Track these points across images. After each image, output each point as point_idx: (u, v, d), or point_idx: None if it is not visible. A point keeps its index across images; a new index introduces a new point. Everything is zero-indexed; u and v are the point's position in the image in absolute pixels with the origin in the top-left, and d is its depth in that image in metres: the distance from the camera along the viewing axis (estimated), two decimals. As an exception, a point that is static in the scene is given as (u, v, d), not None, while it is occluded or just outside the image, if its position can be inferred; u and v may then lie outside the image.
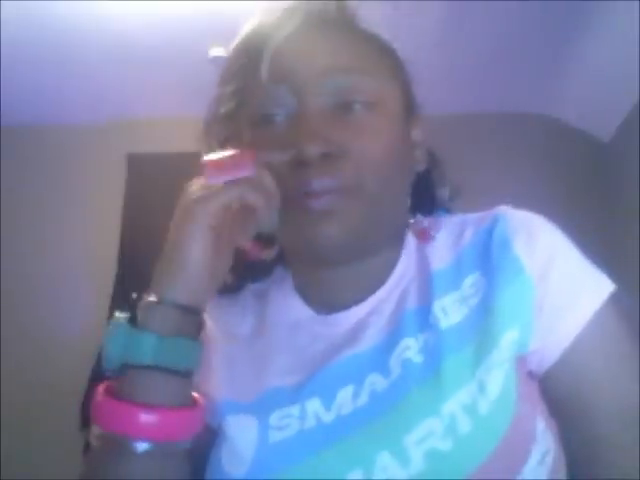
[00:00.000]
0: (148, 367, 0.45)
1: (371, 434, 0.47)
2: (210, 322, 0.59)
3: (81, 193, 2.65)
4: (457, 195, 0.64)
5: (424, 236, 0.58)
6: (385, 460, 0.45)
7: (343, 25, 0.57)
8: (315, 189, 0.50)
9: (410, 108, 0.59)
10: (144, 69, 2.36)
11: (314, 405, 0.51)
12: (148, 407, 0.44)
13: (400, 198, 0.57)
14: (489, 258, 0.53)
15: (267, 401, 0.52)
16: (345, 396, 0.50)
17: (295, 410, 0.51)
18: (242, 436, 0.50)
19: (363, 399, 0.50)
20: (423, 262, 0.57)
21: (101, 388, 0.47)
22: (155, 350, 0.45)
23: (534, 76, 2.43)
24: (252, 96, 0.55)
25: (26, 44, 2.16)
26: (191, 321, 0.48)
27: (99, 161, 2.66)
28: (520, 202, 0.58)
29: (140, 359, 0.45)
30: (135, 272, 2.53)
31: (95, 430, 0.46)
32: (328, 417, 0.49)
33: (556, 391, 0.50)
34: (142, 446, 0.44)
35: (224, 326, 0.59)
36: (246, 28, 0.58)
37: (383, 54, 0.58)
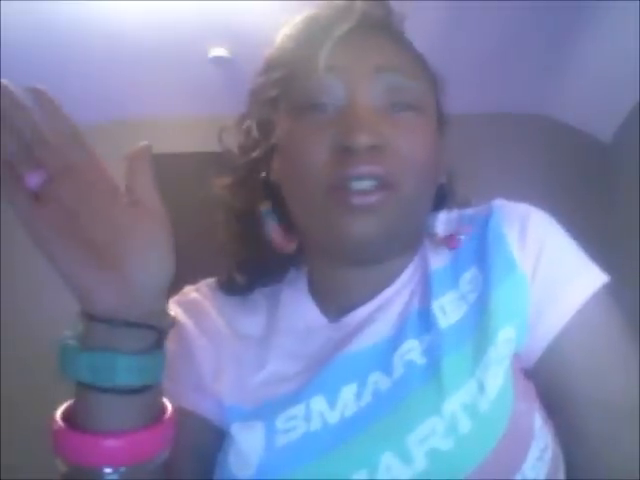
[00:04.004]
0: (109, 389, 0.40)
1: (375, 435, 0.47)
2: (221, 321, 0.59)
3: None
4: (467, 206, 0.64)
5: (452, 242, 0.58)
6: (389, 460, 0.45)
7: (392, 31, 0.59)
8: (361, 173, 0.51)
9: (441, 122, 0.61)
10: (144, 69, 2.36)
11: (318, 404, 0.51)
12: (113, 434, 0.40)
13: (428, 204, 0.58)
14: (485, 254, 0.53)
15: (274, 405, 0.52)
16: (349, 394, 0.50)
17: (300, 410, 0.51)
18: (249, 441, 0.50)
19: (366, 399, 0.50)
20: (424, 262, 0.58)
21: (59, 416, 0.42)
22: (126, 370, 0.40)
23: (534, 76, 2.43)
24: (301, 84, 0.56)
25: (27, 44, 2.16)
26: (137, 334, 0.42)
27: (99, 161, 2.66)
28: (520, 202, 0.58)
29: (111, 381, 0.40)
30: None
31: (61, 464, 0.42)
32: (333, 418, 0.49)
33: (544, 383, 0.50)
34: (111, 474, 0.40)
35: (234, 325, 0.59)
36: (297, 21, 0.60)
37: (425, 65, 0.60)
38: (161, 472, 0.45)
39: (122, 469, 0.40)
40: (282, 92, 0.58)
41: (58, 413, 0.43)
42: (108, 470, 0.40)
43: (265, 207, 0.61)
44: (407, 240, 0.58)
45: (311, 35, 0.57)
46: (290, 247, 0.61)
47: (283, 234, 0.61)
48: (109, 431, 0.41)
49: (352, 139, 0.50)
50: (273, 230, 0.60)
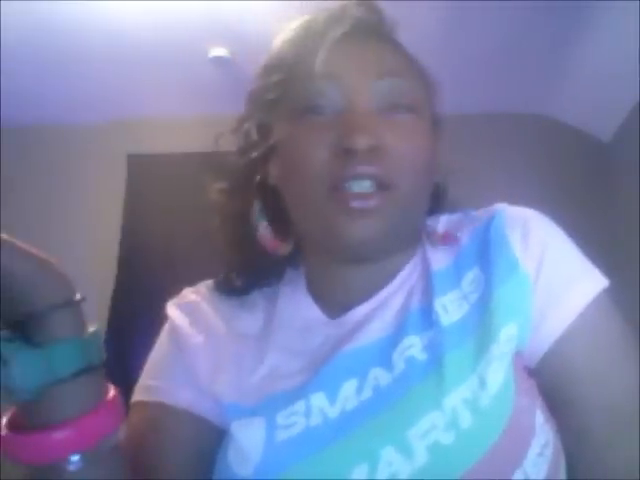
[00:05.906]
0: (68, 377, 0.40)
1: (376, 429, 0.48)
2: (219, 321, 0.60)
3: (81, 193, 2.65)
4: (457, 206, 0.65)
5: (448, 239, 0.59)
6: (390, 455, 0.46)
7: (385, 34, 0.61)
8: (360, 174, 0.52)
9: (436, 122, 0.62)
10: (144, 69, 2.36)
11: (319, 400, 0.51)
12: (69, 422, 0.40)
13: (425, 203, 0.60)
14: (487, 255, 0.54)
15: (274, 401, 0.52)
16: (349, 390, 0.51)
17: (300, 406, 0.51)
18: (249, 437, 0.50)
19: (367, 394, 0.50)
20: (424, 263, 0.58)
21: (4, 424, 0.41)
22: (77, 355, 0.41)
23: (534, 76, 2.43)
24: (300, 88, 0.57)
25: (26, 44, 2.16)
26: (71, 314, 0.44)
27: (99, 161, 2.66)
28: (520, 202, 0.59)
29: (65, 371, 0.40)
30: (135, 272, 2.55)
31: (22, 469, 0.41)
32: (333, 412, 0.50)
33: (546, 383, 0.51)
34: (72, 463, 0.40)
35: (233, 325, 0.60)
36: (294, 25, 0.61)
37: (418, 68, 0.61)
38: (119, 452, 0.44)
39: (77, 456, 0.40)
40: (280, 95, 0.59)
41: (3, 421, 0.42)
42: (74, 458, 0.39)
43: (258, 206, 0.61)
44: (405, 238, 0.59)
45: (307, 40, 0.58)
46: (283, 249, 0.62)
47: (276, 236, 0.62)
48: (58, 422, 0.40)
49: (351, 141, 0.52)
50: (265, 231, 0.61)
